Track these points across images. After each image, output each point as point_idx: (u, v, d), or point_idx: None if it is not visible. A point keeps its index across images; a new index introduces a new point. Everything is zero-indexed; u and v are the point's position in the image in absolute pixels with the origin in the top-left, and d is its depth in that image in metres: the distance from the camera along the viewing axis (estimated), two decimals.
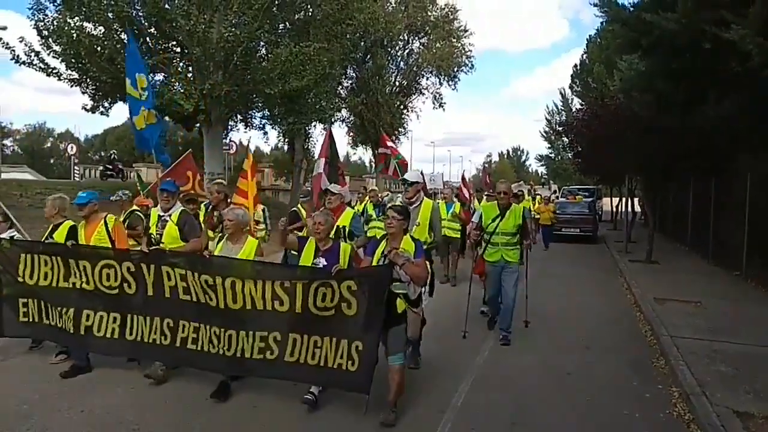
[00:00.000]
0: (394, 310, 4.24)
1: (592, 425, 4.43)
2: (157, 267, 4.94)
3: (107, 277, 5.13)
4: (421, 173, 11.71)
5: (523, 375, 5.49)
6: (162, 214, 5.64)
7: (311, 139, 28.20)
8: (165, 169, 8.46)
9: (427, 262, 5.07)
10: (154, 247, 5.27)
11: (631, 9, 10.55)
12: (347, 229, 5.53)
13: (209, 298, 4.68)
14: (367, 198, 11.43)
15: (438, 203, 7.34)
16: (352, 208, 7.27)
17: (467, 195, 12.42)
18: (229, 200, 6.68)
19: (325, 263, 4.48)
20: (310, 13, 18.38)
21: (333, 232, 4.96)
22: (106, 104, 17.37)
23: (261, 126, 22.62)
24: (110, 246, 5.43)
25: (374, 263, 4.42)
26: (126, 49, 9.40)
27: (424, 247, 4.97)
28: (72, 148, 31.57)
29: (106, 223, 5.59)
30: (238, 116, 20.94)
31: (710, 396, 4.66)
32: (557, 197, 22.80)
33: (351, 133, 35.89)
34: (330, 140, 7.16)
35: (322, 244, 4.60)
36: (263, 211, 10.42)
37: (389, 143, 10.80)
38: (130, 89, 7.23)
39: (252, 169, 7.14)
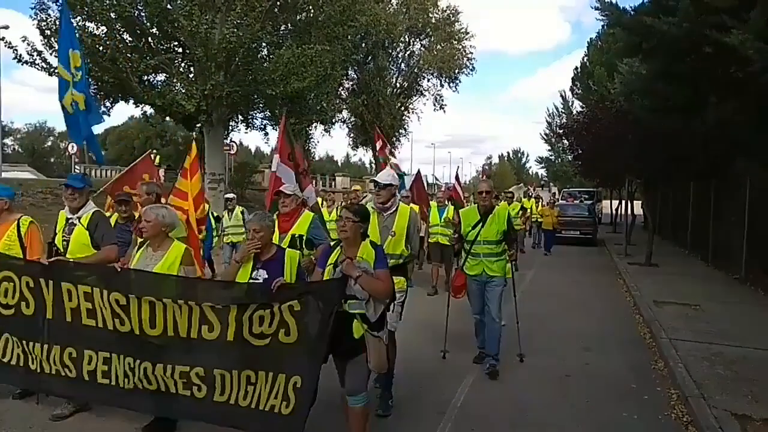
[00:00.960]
0: (350, 336, 3.47)
1: (591, 426, 4.45)
2: (56, 283, 4.03)
3: (5, 292, 4.21)
4: (418, 172, 11.33)
5: (522, 376, 5.51)
6: (70, 216, 4.65)
7: (312, 140, 28.25)
8: (99, 166, 7.88)
9: (392, 275, 4.27)
10: (55, 258, 4.30)
11: (633, 13, 10.57)
12: (304, 238, 4.66)
13: (120, 322, 3.82)
14: (340, 201, 11.23)
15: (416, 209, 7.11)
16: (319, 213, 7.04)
17: (462, 196, 12.08)
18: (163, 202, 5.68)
19: (267, 276, 3.70)
20: (311, 15, 18.43)
21: (287, 242, 4.44)
22: (107, 104, 17.44)
23: (262, 126, 22.70)
24: (20, 254, 4.52)
25: (326, 276, 3.63)
26: (60, 22, 8.44)
27: (401, 261, 4.68)
28: (72, 147, 31.51)
29: (18, 226, 4.65)
30: (240, 117, 21.00)
31: (708, 398, 4.68)
32: (557, 200, 22.59)
33: (352, 134, 35.96)
34: (285, 131, 6.11)
35: (261, 253, 3.79)
36: (242, 213, 10.36)
37: (378, 144, 10.44)
38: (61, 68, 6.21)
39: (193, 165, 6.11)
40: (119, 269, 3.87)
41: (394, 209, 4.77)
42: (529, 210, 16.59)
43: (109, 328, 3.86)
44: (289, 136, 6.22)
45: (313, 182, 9.39)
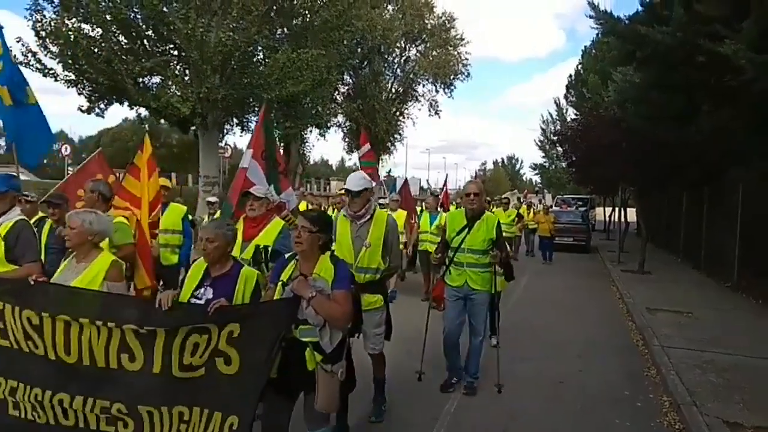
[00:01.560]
0: (303, 368, 3.01)
1: None
2: None
3: None
4: (406, 181, 11.15)
5: (515, 383, 5.50)
6: None
7: (307, 144, 28.25)
8: (31, 170, 7.08)
9: (367, 291, 4.05)
10: None
11: (627, 22, 10.68)
12: (270, 249, 3.94)
13: (33, 345, 3.14)
14: (327, 205, 11.07)
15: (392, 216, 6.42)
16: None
17: (447, 203, 12.03)
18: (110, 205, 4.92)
19: (211, 297, 3.08)
20: (308, 20, 18.46)
21: (250, 253, 3.89)
22: (102, 106, 17.36)
23: None
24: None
25: (276, 296, 3.11)
26: None
27: (377, 276, 4.21)
28: (66, 149, 31.45)
29: None
30: (234, 120, 20.97)
31: (701, 406, 4.70)
32: (551, 207, 22.55)
33: (347, 139, 35.99)
34: (265, 122, 5.18)
35: (214, 268, 3.21)
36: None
37: (365, 147, 9.96)
38: None
39: (150, 164, 5.24)
40: (32, 282, 3.20)
41: (368, 217, 4.22)
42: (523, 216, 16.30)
43: (25, 350, 3.16)
44: (269, 129, 5.33)
45: (296, 184, 9.13)
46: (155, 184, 5.31)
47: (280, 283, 3.12)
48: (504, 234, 10.38)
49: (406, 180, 11.22)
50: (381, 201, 10.51)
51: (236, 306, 3.05)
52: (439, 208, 10.03)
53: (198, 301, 3.10)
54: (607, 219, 27.72)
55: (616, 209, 21.93)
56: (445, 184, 13.55)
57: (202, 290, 3.15)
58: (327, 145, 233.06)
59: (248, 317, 2.96)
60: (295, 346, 3.00)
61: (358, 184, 4.20)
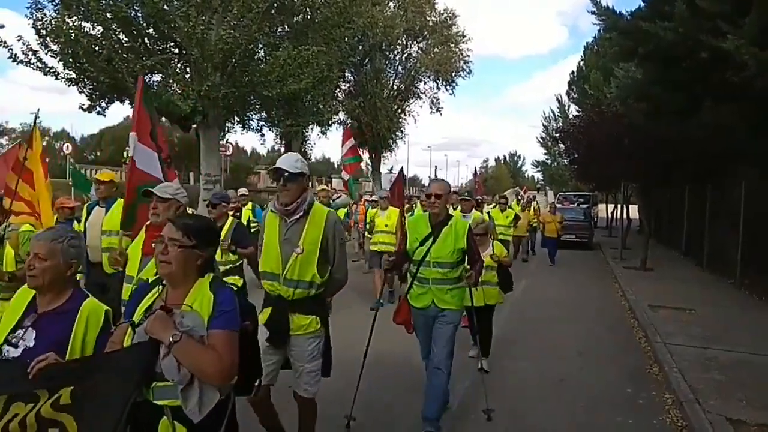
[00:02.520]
0: None
1: (586, 431, 4.44)
2: None
3: None
4: (401, 171, 9.09)
5: (517, 381, 5.49)
6: None
7: (308, 141, 28.23)
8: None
9: (300, 312, 3.23)
10: None
11: (629, 18, 10.64)
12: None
13: None
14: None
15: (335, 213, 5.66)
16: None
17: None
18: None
19: (32, 344, 2.18)
20: (309, 17, 18.41)
21: (151, 272, 2.81)
22: (103, 104, 17.35)
23: (258, 128, 22.65)
24: None
25: (127, 339, 2.11)
26: None
27: (312, 292, 3.22)
28: (68, 147, 31.52)
29: None
30: (236, 118, 20.94)
31: (703, 403, 4.68)
32: (553, 204, 22.11)
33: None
34: (144, 98, 4.27)
35: (43, 299, 2.28)
36: None
37: (349, 143, 9.26)
38: None
39: (42, 162, 4.42)
40: None
41: (301, 213, 3.23)
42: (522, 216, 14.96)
43: None
44: (150, 106, 4.45)
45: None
46: (44, 189, 4.63)
47: (130, 321, 2.13)
48: (501, 237, 10.11)
49: (401, 172, 9.33)
50: (369, 198, 10.13)
51: (68, 362, 2.10)
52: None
53: (12, 352, 2.15)
54: (610, 216, 27.68)
55: (619, 206, 21.88)
56: (399, 178, 12.60)
57: (21, 333, 2.17)
58: (328, 143, 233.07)
59: (86, 375, 2.02)
60: (147, 412, 2.02)
61: (293, 164, 3.17)
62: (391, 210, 8.70)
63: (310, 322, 3.26)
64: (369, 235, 10.17)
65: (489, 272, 5.54)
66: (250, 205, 10.13)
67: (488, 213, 11.01)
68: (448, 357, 4.12)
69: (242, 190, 10.80)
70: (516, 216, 12.82)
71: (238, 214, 6.87)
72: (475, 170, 24.04)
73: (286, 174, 3.15)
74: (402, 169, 9.58)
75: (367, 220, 10.33)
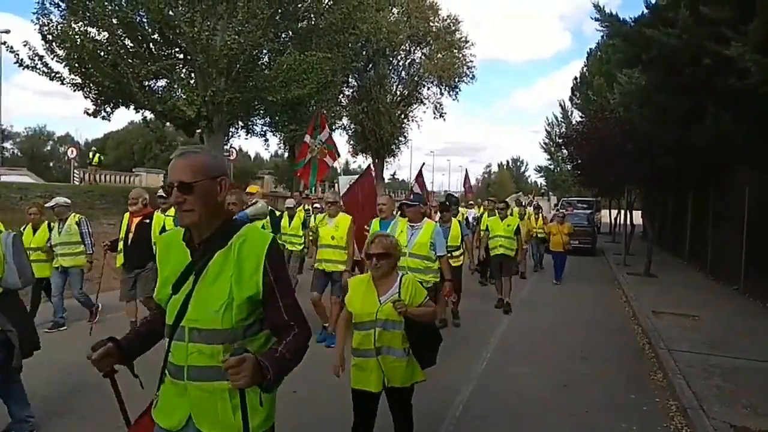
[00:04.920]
0: None
1: None
2: None
3: None
4: (368, 167, 8.66)
5: (520, 386, 5.49)
6: None
7: None
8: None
9: None
10: None
11: (632, 24, 10.65)
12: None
13: None
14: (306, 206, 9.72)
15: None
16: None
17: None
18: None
19: None
20: (313, 23, 18.54)
21: None
22: (108, 109, 17.48)
23: (262, 133, 22.78)
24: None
25: None
26: None
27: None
28: (72, 151, 31.63)
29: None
30: (240, 123, 21.05)
31: (707, 410, 4.67)
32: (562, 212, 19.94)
33: (352, 142, 36.06)
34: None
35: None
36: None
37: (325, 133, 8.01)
38: None
39: None
40: None
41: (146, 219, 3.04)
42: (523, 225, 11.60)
43: None
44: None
45: (300, 187, 7.70)
46: None
47: None
48: (502, 251, 8.98)
49: (368, 167, 8.10)
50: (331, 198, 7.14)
51: None
52: (396, 213, 7.15)
53: None
54: (613, 221, 27.64)
55: (622, 212, 21.87)
56: (419, 176, 11.21)
57: None
58: None
59: None
60: None
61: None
62: (341, 218, 6.64)
63: None
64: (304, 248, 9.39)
65: (394, 329, 3.21)
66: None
67: (473, 218, 10.23)
68: None
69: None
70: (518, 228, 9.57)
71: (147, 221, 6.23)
72: (466, 172, 23.18)
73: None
74: (369, 165, 8.56)
75: (311, 229, 8.02)
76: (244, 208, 5.91)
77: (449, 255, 6.87)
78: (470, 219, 12.07)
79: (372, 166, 8.45)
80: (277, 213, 9.21)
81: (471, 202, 14.70)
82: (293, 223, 9.59)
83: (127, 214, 6.44)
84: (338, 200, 7.07)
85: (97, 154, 26.01)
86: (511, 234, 9.01)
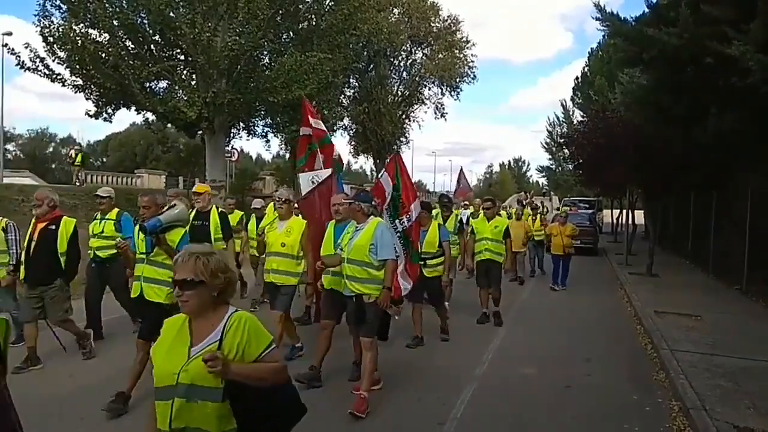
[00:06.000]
0: None
1: None
2: None
3: None
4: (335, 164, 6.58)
5: (522, 387, 5.47)
6: None
7: None
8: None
9: None
10: None
11: (633, 23, 10.65)
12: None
13: None
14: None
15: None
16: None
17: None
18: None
19: None
20: (314, 23, 18.54)
21: None
22: (109, 110, 17.49)
23: (263, 134, 22.79)
24: None
25: None
26: None
27: None
28: (74, 153, 31.57)
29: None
30: (241, 124, 21.06)
31: (710, 410, 4.65)
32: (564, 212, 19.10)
33: (353, 142, 36.06)
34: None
35: None
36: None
37: (311, 121, 6.55)
38: None
39: None
40: None
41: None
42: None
43: None
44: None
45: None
46: None
47: None
48: (488, 256, 7.82)
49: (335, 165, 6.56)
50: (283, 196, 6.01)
51: None
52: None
53: None
54: (615, 221, 27.61)
55: (624, 211, 21.82)
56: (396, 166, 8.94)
57: None
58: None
59: None
60: None
61: None
62: (294, 221, 5.78)
63: None
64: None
65: (205, 400, 2.07)
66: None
67: (462, 221, 9.25)
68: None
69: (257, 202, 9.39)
70: (507, 231, 8.16)
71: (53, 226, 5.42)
72: (461, 170, 22.30)
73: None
74: (337, 160, 6.97)
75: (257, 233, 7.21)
76: (159, 212, 4.60)
77: (422, 264, 6.38)
78: (464, 220, 11.11)
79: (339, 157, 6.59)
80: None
81: (466, 202, 14.22)
82: (261, 226, 7.87)
83: (33, 219, 5.54)
84: (292, 199, 5.96)
85: (80, 154, 24.75)
86: (498, 237, 7.92)
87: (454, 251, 8.18)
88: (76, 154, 24.56)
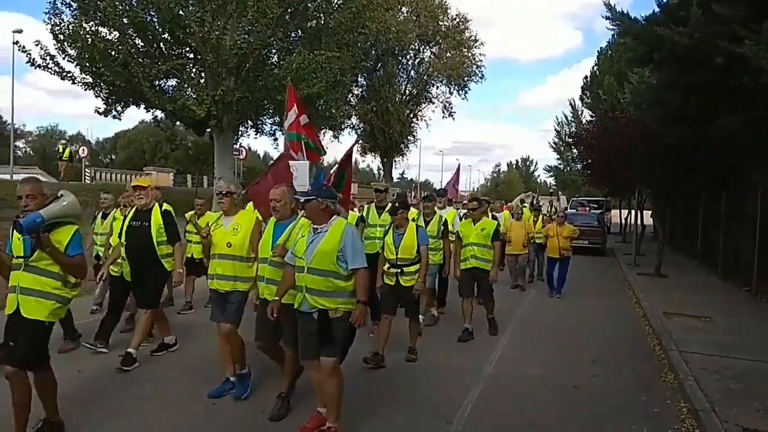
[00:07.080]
0: None
1: None
2: None
3: None
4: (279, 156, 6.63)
5: (530, 387, 5.46)
6: None
7: None
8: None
9: None
10: None
11: (643, 23, 10.58)
12: None
13: None
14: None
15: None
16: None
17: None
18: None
19: None
20: (322, 22, 18.57)
21: None
22: (118, 108, 17.61)
23: (271, 132, 22.86)
24: None
25: None
26: None
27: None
28: (84, 150, 31.85)
29: None
30: (249, 122, 21.13)
31: (719, 412, 4.62)
32: (564, 210, 18.34)
33: (361, 141, 36.10)
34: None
35: None
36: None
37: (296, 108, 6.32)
38: None
39: None
40: None
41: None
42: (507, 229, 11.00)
43: None
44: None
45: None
46: None
47: None
48: (473, 264, 6.96)
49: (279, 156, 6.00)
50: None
51: None
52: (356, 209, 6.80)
53: None
54: (623, 221, 27.47)
55: (632, 212, 21.72)
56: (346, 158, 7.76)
57: None
58: (341, 147, 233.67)
59: None
60: None
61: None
62: (242, 216, 4.92)
63: None
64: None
65: None
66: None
67: (447, 222, 7.65)
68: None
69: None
70: (496, 233, 7.16)
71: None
72: (458, 167, 21.59)
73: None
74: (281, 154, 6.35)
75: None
76: (45, 203, 3.67)
77: (399, 272, 5.82)
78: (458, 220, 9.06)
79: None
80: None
81: (464, 201, 13.48)
82: (202, 223, 7.17)
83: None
84: (234, 190, 4.97)
85: (68, 149, 24.36)
86: (486, 242, 6.99)
87: (436, 258, 7.16)
88: (64, 149, 24.29)
